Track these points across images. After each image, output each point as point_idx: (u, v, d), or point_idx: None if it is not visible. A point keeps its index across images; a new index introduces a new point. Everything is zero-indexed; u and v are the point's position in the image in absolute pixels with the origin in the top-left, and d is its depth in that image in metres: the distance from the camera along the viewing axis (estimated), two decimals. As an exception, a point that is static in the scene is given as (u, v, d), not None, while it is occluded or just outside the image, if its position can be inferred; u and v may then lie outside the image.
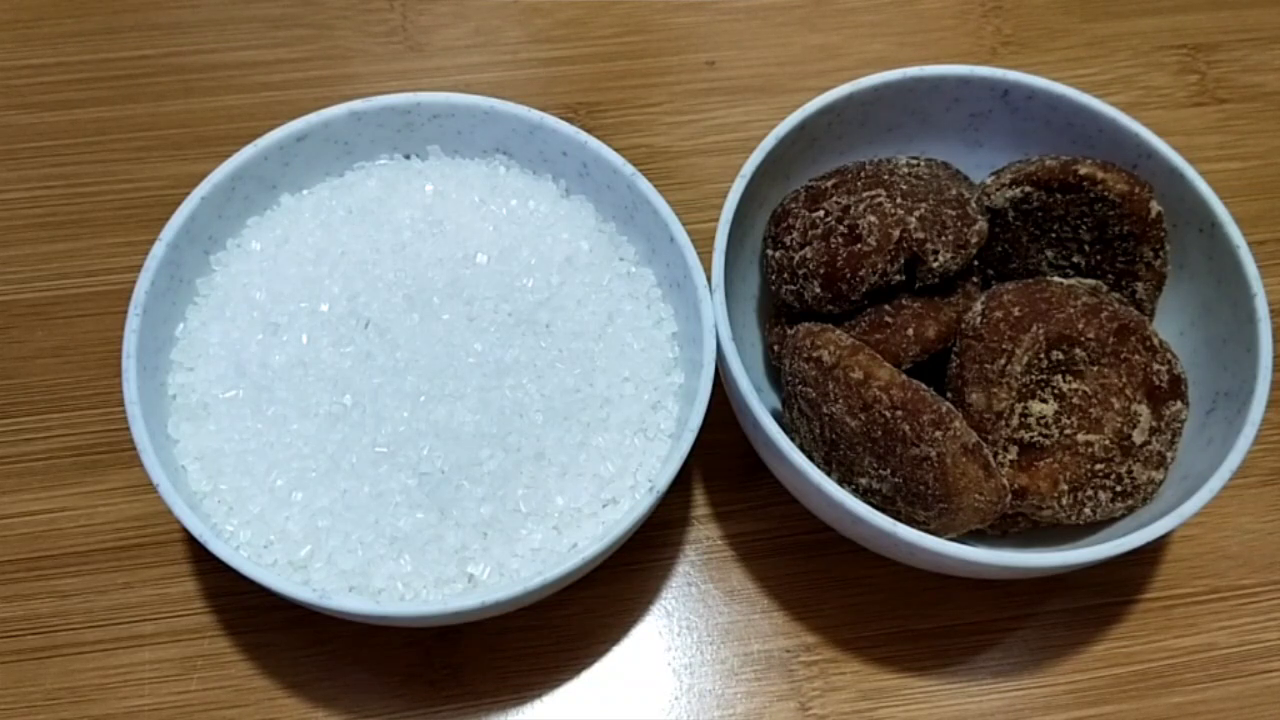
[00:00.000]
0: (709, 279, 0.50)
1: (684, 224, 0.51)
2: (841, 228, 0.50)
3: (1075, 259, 0.53)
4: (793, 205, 0.53)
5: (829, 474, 0.48)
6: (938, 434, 0.45)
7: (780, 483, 0.51)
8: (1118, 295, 0.51)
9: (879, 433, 0.46)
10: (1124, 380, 0.49)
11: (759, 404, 0.47)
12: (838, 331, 0.48)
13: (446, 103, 0.54)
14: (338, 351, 0.49)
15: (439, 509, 0.46)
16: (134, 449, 0.45)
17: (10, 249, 0.60)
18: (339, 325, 0.50)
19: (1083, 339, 0.48)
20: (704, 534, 0.55)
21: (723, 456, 0.56)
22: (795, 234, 0.52)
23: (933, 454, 0.45)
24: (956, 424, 0.45)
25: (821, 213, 0.51)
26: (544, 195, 0.55)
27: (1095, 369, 0.49)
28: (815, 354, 0.47)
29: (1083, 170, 0.50)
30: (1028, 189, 0.51)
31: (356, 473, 0.47)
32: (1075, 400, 0.49)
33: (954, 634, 0.53)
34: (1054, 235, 0.52)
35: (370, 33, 0.69)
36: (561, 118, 0.54)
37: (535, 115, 0.53)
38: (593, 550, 0.44)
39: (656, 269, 0.53)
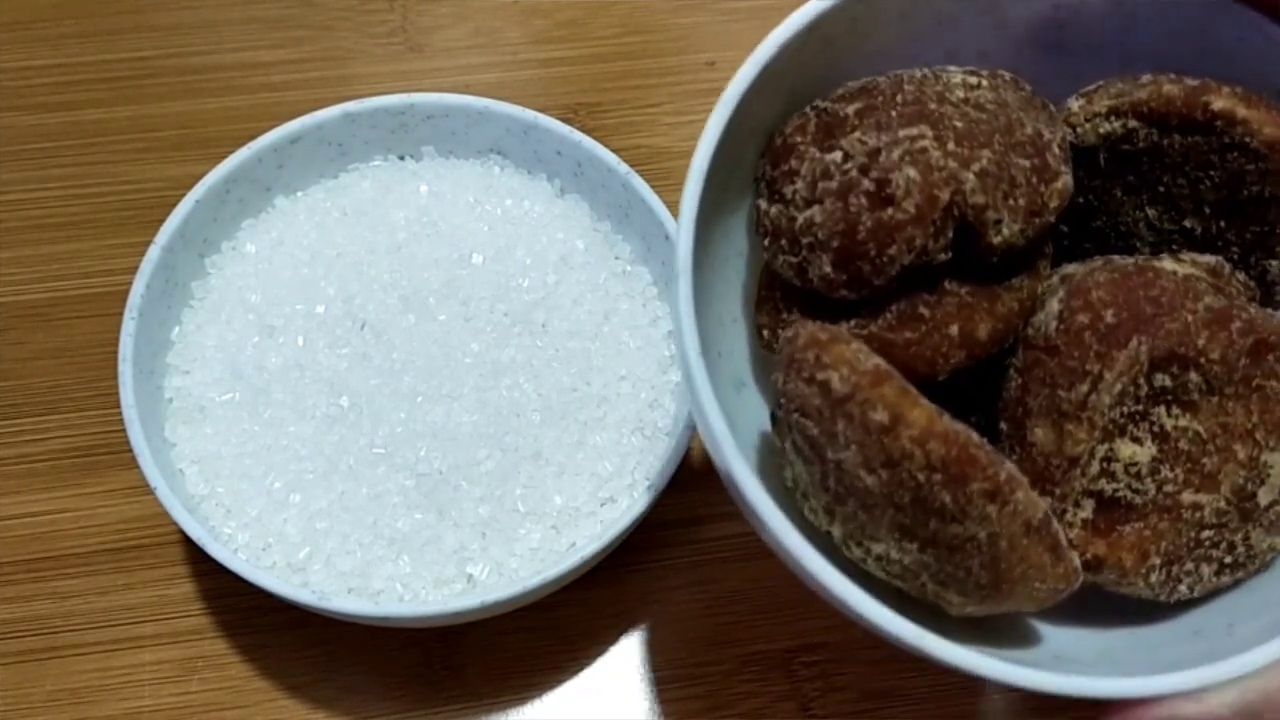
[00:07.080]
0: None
1: (680, 223, 0.51)
2: (867, 182, 0.35)
3: (1187, 223, 0.39)
4: (797, 138, 0.37)
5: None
6: (990, 510, 0.31)
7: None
8: (1244, 279, 0.38)
9: (906, 499, 0.32)
10: (1255, 418, 0.35)
11: (745, 470, 0.34)
12: (855, 344, 0.33)
13: (440, 103, 0.54)
14: (334, 353, 0.49)
15: (437, 509, 0.46)
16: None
17: (11, 250, 0.60)
18: (335, 327, 0.50)
19: (1202, 360, 0.35)
20: (703, 534, 0.54)
21: (722, 455, 0.56)
22: (800, 183, 0.36)
23: (981, 535, 0.32)
24: (1019, 495, 0.32)
25: (839, 155, 0.36)
26: (539, 195, 0.55)
27: (1214, 401, 0.35)
28: (821, 376, 0.33)
29: (1217, 104, 0.35)
30: (1132, 123, 0.37)
31: (354, 474, 0.47)
32: (1182, 444, 0.35)
33: (955, 633, 0.53)
34: (1161, 190, 0.38)
35: (370, 34, 0.69)
36: (561, 118, 0.53)
37: (529, 115, 0.53)
38: (591, 549, 0.44)
39: (652, 267, 0.53)
